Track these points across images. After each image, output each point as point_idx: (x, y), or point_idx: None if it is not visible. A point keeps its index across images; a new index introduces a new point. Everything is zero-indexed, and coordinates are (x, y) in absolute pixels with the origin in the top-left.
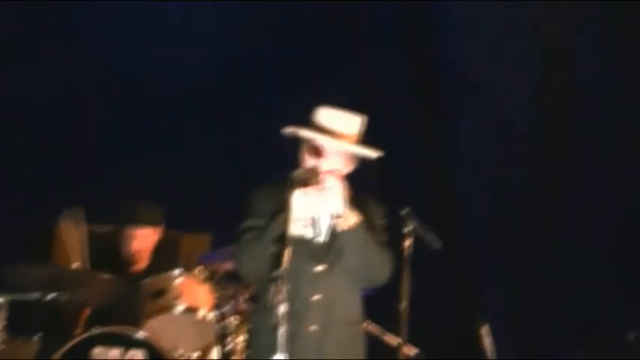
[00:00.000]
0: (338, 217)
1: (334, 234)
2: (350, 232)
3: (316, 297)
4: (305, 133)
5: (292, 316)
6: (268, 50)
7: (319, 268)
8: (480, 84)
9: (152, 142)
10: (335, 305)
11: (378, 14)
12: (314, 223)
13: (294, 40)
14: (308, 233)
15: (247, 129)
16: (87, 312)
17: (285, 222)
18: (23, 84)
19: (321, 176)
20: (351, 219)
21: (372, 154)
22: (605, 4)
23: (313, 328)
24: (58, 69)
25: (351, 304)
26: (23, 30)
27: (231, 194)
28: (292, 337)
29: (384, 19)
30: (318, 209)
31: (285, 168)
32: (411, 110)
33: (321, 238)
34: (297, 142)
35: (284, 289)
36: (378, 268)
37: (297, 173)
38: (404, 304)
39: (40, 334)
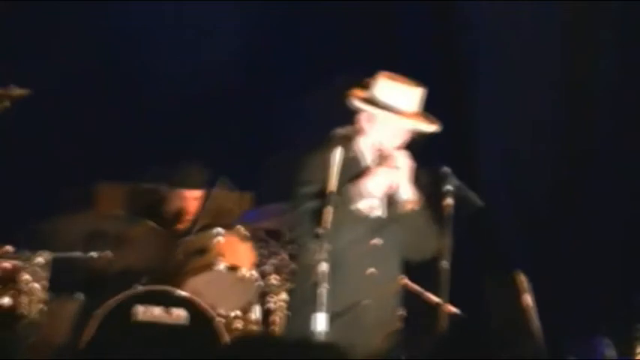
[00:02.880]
0: (405, 199)
1: (394, 210)
2: (412, 213)
3: (370, 270)
4: (372, 109)
5: (347, 289)
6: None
7: (375, 242)
8: (501, 58)
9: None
10: (385, 279)
11: (405, 10)
12: (379, 199)
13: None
14: (371, 208)
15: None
16: (129, 271)
17: (326, 179)
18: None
19: (388, 155)
20: (414, 201)
21: (433, 129)
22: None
23: (366, 301)
24: (80, 66)
25: (396, 278)
26: (48, 27)
27: (273, 153)
28: (346, 310)
29: (412, 14)
30: (386, 187)
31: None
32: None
33: (381, 214)
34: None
35: (324, 248)
36: (429, 244)
37: (339, 131)
38: (445, 263)
39: (82, 293)
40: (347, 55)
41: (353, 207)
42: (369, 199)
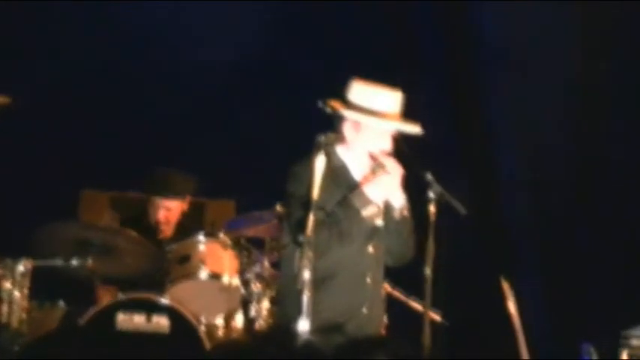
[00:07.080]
0: (399, 207)
1: (388, 218)
2: (404, 220)
3: (368, 278)
4: (355, 115)
5: (349, 296)
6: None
7: (371, 249)
8: (516, 59)
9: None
10: (377, 286)
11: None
12: (378, 206)
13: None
14: (376, 216)
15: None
16: (111, 279)
17: (311, 187)
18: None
19: (383, 161)
20: (405, 208)
21: (417, 130)
22: None
23: (364, 310)
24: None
25: (382, 283)
26: (64, 28)
27: (256, 161)
28: (348, 318)
29: (425, 15)
30: (386, 194)
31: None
32: (446, 84)
33: (380, 222)
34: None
35: (308, 255)
36: (411, 251)
37: (323, 137)
38: (429, 270)
39: (64, 301)
40: (347, 59)
41: (360, 215)
42: (373, 207)
